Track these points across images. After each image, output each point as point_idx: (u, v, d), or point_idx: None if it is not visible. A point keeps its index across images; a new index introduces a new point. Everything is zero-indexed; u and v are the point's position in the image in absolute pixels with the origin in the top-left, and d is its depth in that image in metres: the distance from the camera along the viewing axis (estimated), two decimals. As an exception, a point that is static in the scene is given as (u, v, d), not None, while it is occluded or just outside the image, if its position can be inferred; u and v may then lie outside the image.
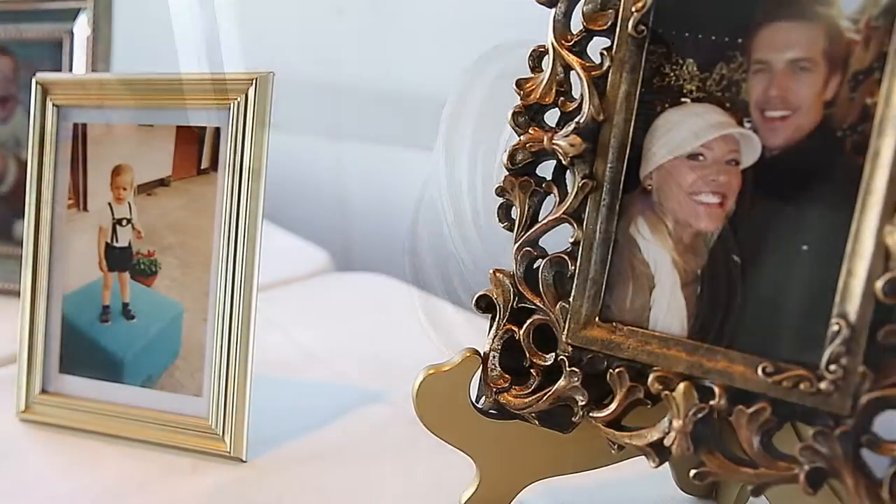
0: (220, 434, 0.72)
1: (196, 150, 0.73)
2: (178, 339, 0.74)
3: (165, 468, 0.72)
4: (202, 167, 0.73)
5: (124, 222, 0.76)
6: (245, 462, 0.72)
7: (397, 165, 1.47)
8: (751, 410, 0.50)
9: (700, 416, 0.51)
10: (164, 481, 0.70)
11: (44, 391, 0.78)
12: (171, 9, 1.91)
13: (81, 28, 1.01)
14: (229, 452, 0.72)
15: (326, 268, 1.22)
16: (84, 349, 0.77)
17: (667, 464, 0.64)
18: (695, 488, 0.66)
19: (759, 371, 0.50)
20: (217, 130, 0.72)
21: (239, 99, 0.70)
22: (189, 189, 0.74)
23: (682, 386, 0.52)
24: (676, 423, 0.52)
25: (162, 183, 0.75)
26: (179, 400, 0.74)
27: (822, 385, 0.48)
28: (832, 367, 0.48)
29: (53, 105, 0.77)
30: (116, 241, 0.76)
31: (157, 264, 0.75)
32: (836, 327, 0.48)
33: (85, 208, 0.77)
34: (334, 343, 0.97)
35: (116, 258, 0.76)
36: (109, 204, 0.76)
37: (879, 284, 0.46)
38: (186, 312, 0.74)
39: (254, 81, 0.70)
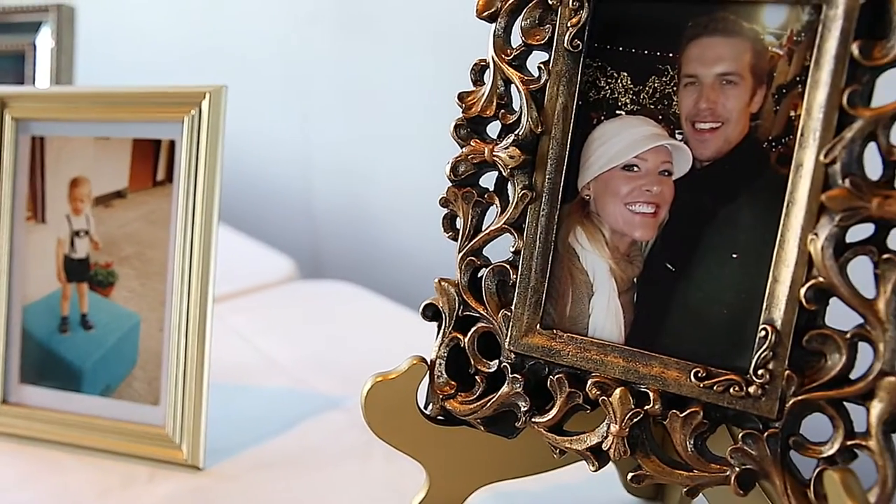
0: (178, 443, 0.73)
1: (152, 163, 0.74)
2: (136, 349, 0.75)
3: (124, 477, 0.73)
4: (158, 179, 0.74)
5: (82, 234, 0.77)
6: (202, 470, 0.73)
7: (367, 172, 1.48)
8: (684, 414, 0.51)
9: (636, 420, 0.53)
10: (123, 490, 0.71)
11: (4, 402, 0.79)
12: (135, 20, 1.92)
13: (44, 40, 1.02)
14: (186, 461, 0.73)
15: (292, 276, 1.23)
16: (44, 360, 0.78)
17: (614, 466, 0.66)
18: (641, 490, 0.68)
19: (692, 376, 0.51)
20: (172, 143, 0.73)
21: (193, 112, 0.71)
22: (145, 201, 0.75)
23: (618, 391, 0.53)
24: (613, 428, 0.53)
25: (119, 195, 0.76)
26: (137, 409, 0.75)
27: (751, 389, 0.49)
28: (760, 371, 0.49)
29: (12, 118, 0.78)
30: (74, 252, 0.77)
31: (115, 275, 0.76)
32: (763, 333, 0.49)
33: (43, 220, 0.78)
34: (296, 351, 0.98)
35: (75, 269, 0.77)
36: (67, 216, 0.77)
37: (803, 291, 0.48)
38: (143, 322, 0.75)
39: (207, 95, 0.71)
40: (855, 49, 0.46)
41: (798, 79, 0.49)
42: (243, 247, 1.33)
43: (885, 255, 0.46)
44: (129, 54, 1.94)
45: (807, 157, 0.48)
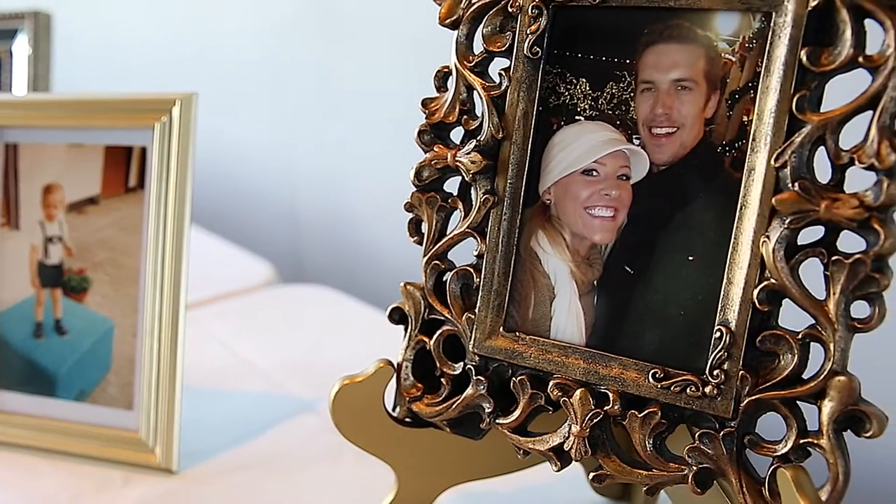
0: (151, 446, 0.74)
1: (124, 169, 0.75)
2: (109, 354, 0.76)
3: (98, 481, 0.73)
4: (130, 185, 0.75)
5: (55, 240, 0.77)
6: (175, 473, 0.73)
7: (350, 178, 1.49)
8: (642, 414, 0.52)
9: (596, 421, 0.53)
10: (97, 494, 0.72)
11: (-21, 407, 0.80)
12: (114, 27, 1.92)
13: (20, 47, 1.02)
14: (160, 464, 0.73)
15: (271, 280, 1.24)
16: (18, 365, 0.79)
17: (581, 467, 0.67)
18: (608, 490, 0.68)
19: (650, 377, 0.52)
20: (144, 149, 0.74)
21: (164, 118, 0.72)
22: (118, 207, 0.75)
23: (578, 392, 0.54)
24: (574, 429, 0.54)
25: (92, 201, 0.76)
26: (111, 413, 0.76)
27: (707, 389, 0.50)
28: (715, 372, 0.50)
29: (-15, 125, 0.79)
30: (48, 258, 0.78)
31: (88, 281, 0.76)
32: (718, 334, 0.50)
33: (17, 227, 0.79)
34: (272, 355, 0.99)
35: (48, 275, 0.78)
36: (41, 222, 0.78)
37: (756, 292, 0.49)
38: (117, 328, 0.76)
39: (178, 102, 0.71)
40: (803, 56, 0.47)
41: (750, 85, 0.50)
42: (223, 251, 1.34)
43: (834, 257, 0.47)
44: (107, 61, 1.94)
45: (758, 162, 0.49)
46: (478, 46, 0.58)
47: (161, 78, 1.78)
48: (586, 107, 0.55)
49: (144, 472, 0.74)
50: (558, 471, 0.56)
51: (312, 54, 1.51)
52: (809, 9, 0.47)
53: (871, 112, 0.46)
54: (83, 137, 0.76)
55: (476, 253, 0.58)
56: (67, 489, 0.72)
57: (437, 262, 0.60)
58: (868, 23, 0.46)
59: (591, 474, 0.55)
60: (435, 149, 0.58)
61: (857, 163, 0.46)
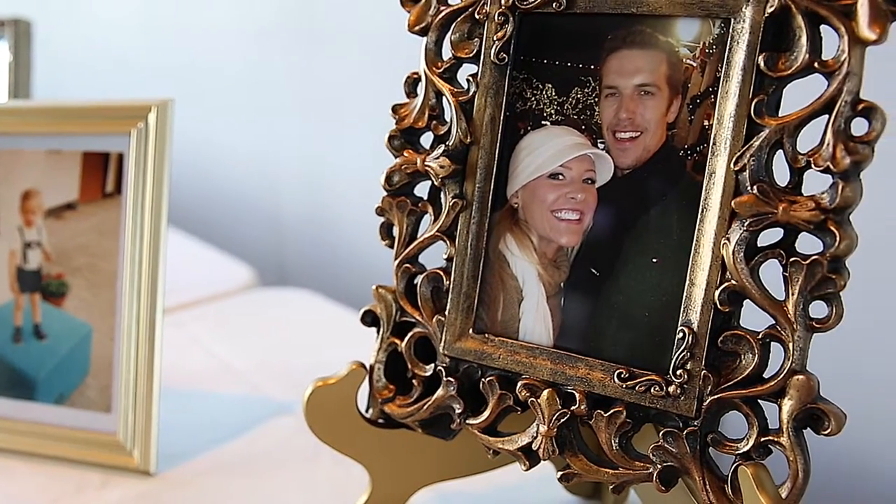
0: (129, 449, 0.74)
1: (101, 175, 0.75)
2: (88, 358, 0.76)
3: (76, 484, 0.74)
4: (107, 191, 0.75)
5: (34, 245, 0.78)
6: (153, 476, 0.74)
7: (333, 183, 1.49)
8: (608, 414, 0.53)
9: (563, 420, 0.54)
10: (75, 496, 0.72)
11: (-41, 411, 0.80)
12: (95, 34, 1.92)
13: (1, 55, 1.03)
14: (138, 467, 0.74)
15: (253, 284, 1.25)
16: (-3, 370, 0.79)
17: (554, 467, 0.68)
18: (580, 489, 0.69)
19: (615, 377, 0.53)
20: (121, 155, 0.74)
21: (140, 125, 0.73)
22: (96, 212, 0.76)
23: (545, 393, 0.55)
24: (542, 428, 0.55)
25: (70, 207, 0.77)
26: (90, 417, 0.76)
27: (671, 389, 0.51)
28: (678, 371, 0.51)
29: (-36, 132, 0.79)
30: (27, 263, 0.78)
31: (67, 285, 0.77)
32: (681, 334, 0.51)
33: (-4, 232, 0.79)
34: (252, 358, 1.00)
35: (27, 280, 0.78)
36: (19, 228, 0.78)
37: (717, 294, 0.50)
38: (95, 332, 0.76)
39: (154, 108, 0.72)
40: (761, 61, 0.48)
41: (711, 89, 0.51)
42: (206, 255, 1.34)
43: (792, 258, 0.48)
44: (89, 67, 1.94)
45: (719, 165, 0.50)
46: (446, 53, 0.59)
47: (143, 83, 1.79)
48: (552, 112, 0.56)
49: (122, 474, 0.74)
50: (527, 470, 0.57)
51: (295, 58, 1.51)
52: (766, 15, 0.48)
53: (826, 116, 0.47)
54: (61, 144, 0.77)
55: (446, 256, 0.59)
56: (46, 492, 0.73)
57: (408, 265, 0.60)
58: (824, 29, 0.47)
59: (559, 473, 0.56)
60: (405, 154, 0.59)
61: (813, 166, 0.47)
